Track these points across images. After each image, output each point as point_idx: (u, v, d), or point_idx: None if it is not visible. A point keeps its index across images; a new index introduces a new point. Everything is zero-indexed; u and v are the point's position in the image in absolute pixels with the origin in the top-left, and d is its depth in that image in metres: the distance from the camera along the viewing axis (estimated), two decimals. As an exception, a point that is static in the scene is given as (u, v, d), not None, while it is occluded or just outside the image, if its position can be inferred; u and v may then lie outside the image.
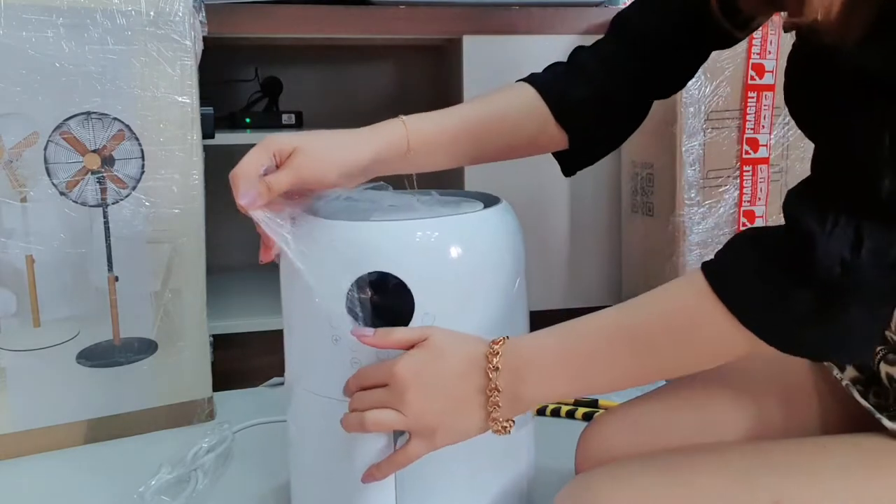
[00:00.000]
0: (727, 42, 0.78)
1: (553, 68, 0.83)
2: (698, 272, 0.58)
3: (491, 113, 0.80)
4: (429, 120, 0.80)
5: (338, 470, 0.74)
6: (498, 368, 0.62)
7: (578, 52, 0.83)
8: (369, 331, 0.68)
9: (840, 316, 0.53)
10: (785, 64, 0.67)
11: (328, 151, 0.73)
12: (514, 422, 0.64)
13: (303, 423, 0.81)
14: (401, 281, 0.71)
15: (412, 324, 0.71)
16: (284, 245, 0.71)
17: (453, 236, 0.74)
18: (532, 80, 0.82)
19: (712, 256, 0.59)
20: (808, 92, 0.64)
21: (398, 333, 0.67)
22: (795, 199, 0.56)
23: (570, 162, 0.85)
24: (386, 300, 0.71)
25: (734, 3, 0.70)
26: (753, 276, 0.55)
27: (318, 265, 0.72)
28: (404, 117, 0.78)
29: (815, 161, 0.58)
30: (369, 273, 0.71)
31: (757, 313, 0.55)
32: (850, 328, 0.54)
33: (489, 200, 0.83)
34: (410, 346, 0.66)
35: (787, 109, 0.93)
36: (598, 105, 0.80)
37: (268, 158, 0.75)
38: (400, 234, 0.73)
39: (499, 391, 0.62)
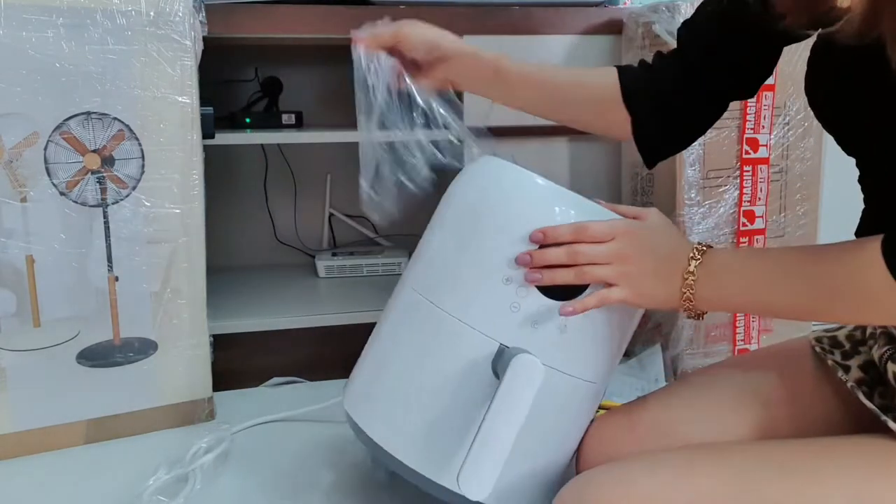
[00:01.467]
0: (795, 37, 0.80)
1: (642, 62, 0.92)
2: (877, 243, 0.60)
3: (572, 77, 0.94)
4: (520, 62, 0.92)
5: (451, 397, 0.78)
6: (698, 259, 0.71)
7: (658, 54, 0.91)
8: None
9: None
10: (805, 67, 0.68)
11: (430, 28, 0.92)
12: (705, 312, 0.72)
13: (429, 345, 0.82)
14: None
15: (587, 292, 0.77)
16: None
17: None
18: (621, 68, 0.91)
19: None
20: (838, 95, 0.66)
21: (623, 207, 0.78)
22: None
23: (647, 152, 0.91)
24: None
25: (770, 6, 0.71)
26: None
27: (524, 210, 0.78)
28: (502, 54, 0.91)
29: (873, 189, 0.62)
30: None
31: None
32: None
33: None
34: (635, 215, 0.76)
35: (786, 109, 0.94)
36: (662, 97, 0.87)
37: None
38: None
39: (694, 275, 0.70)
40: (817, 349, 0.79)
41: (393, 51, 0.91)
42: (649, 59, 0.91)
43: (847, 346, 0.77)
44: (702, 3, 0.87)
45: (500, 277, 0.77)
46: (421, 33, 0.91)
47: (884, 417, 0.65)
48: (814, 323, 1.39)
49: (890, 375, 0.68)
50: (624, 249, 0.73)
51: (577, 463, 0.82)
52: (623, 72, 0.90)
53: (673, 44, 0.89)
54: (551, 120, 0.97)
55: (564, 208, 0.77)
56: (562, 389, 0.79)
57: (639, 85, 0.89)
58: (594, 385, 0.82)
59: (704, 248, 0.72)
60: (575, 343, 0.78)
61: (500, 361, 0.75)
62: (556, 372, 0.78)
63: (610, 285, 0.73)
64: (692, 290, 0.70)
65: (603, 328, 0.79)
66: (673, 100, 0.86)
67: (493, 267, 0.78)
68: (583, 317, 0.75)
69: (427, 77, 0.91)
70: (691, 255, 0.71)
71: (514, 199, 0.79)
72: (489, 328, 0.77)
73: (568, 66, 1.44)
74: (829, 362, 0.76)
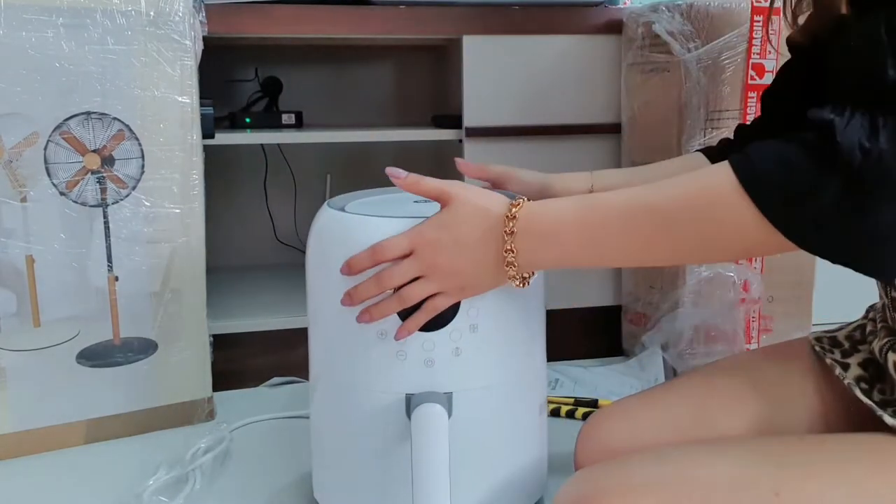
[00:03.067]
0: None
1: (722, 141, 0.94)
2: (722, 164, 0.57)
3: (667, 172, 0.89)
4: (611, 176, 0.94)
5: (382, 458, 0.80)
6: (514, 232, 0.66)
7: (740, 127, 0.92)
8: (402, 172, 0.73)
9: (868, 215, 0.51)
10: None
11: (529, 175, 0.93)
12: (532, 274, 0.70)
13: (345, 417, 0.82)
14: None
15: (460, 311, 0.76)
16: None
17: None
18: (703, 150, 0.93)
19: (739, 153, 0.58)
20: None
21: (427, 182, 0.72)
22: (812, 108, 0.55)
23: None
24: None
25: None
26: (779, 165, 0.54)
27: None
28: (593, 172, 0.93)
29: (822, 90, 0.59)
30: None
31: (780, 205, 0.54)
32: (878, 231, 0.52)
33: None
34: (436, 197, 0.72)
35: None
36: None
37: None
38: None
39: (513, 252, 0.66)
40: (817, 348, 0.79)
41: (494, 186, 0.93)
42: (649, 58, 0.91)
43: (846, 345, 0.77)
44: (780, 69, 0.87)
45: (372, 335, 0.77)
46: (532, 174, 0.92)
47: (879, 412, 0.66)
48: (814, 322, 1.40)
49: (890, 365, 0.68)
50: (428, 258, 0.69)
51: (576, 460, 0.82)
52: (709, 153, 0.92)
53: (673, 44, 0.89)
54: None
55: (364, 234, 0.75)
56: (488, 404, 0.80)
57: (724, 146, 0.91)
58: (519, 384, 0.83)
59: (517, 209, 0.67)
60: (475, 358, 0.78)
61: (413, 410, 0.75)
62: (470, 391, 0.79)
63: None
64: (515, 265, 0.67)
65: (498, 334, 0.79)
66: None
67: (359, 328, 0.77)
68: (468, 331, 0.76)
69: None
70: (505, 229, 0.66)
71: (331, 255, 0.78)
72: (390, 385, 0.78)
73: (568, 68, 1.45)
74: (828, 361, 0.76)
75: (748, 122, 0.92)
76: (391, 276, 0.71)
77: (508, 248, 0.67)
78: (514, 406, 0.83)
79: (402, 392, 0.77)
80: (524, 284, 0.70)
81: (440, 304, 0.72)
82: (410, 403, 0.76)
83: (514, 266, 0.67)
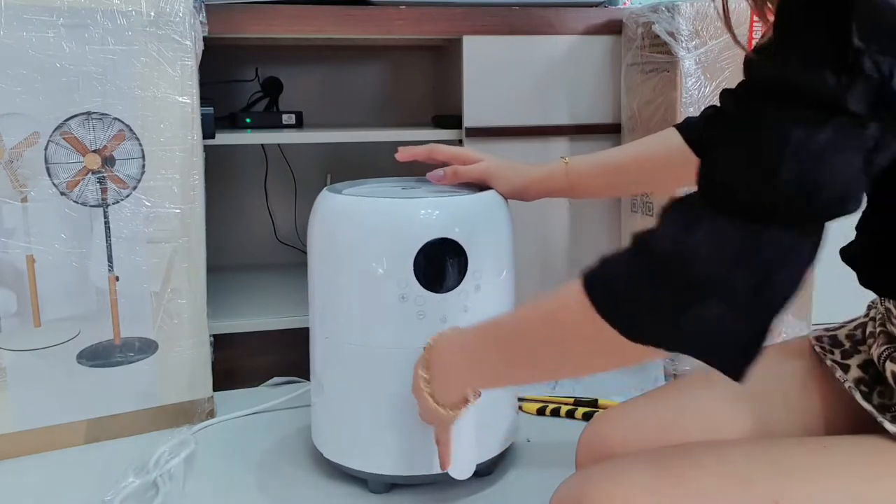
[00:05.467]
0: None
1: (703, 112, 0.93)
2: (577, 282, 0.58)
3: (637, 155, 0.95)
4: (585, 161, 0.97)
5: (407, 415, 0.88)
6: (427, 361, 0.74)
7: (722, 93, 0.88)
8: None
9: (693, 309, 0.50)
10: None
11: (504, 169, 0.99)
12: (458, 410, 0.75)
13: (364, 377, 0.95)
14: (457, 243, 0.91)
15: (466, 277, 0.92)
16: None
17: (493, 207, 0.97)
18: (679, 124, 0.92)
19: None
20: None
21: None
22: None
23: None
24: (442, 260, 0.91)
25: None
26: (609, 263, 0.56)
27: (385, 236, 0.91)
28: (567, 158, 0.96)
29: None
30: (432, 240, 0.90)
31: (608, 301, 0.54)
32: (705, 324, 0.50)
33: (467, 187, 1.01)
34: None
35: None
36: None
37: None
38: (458, 206, 0.95)
39: (428, 381, 0.74)
40: (817, 348, 0.79)
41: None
42: (649, 58, 0.91)
43: (847, 345, 0.77)
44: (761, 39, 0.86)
45: (395, 298, 0.90)
46: (508, 179, 0.98)
47: (880, 419, 0.65)
48: (814, 322, 1.39)
49: (888, 374, 0.68)
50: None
51: (577, 461, 0.82)
52: (685, 128, 0.91)
53: (673, 44, 0.89)
54: (631, 195, 1.06)
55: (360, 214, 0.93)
56: None
57: (701, 124, 0.90)
58: None
59: (431, 344, 0.75)
60: (481, 314, 0.87)
61: None
62: None
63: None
64: (432, 396, 0.74)
65: (496, 292, 0.96)
66: None
67: (386, 292, 0.91)
68: (473, 291, 0.92)
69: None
70: (422, 360, 0.74)
71: (369, 228, 0.92)
72: (410, 341, 0.88)
73: (568, 68, 1.45)
74: (828, 362, 0.76)
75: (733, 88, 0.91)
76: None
77: (424, 377, 0.75)
78: None
79: (420, 348, 0.87)
80: (451, 411, 0.75)
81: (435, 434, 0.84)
82: None
83: (432, 397, 0.74)
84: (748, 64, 0.55)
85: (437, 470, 0.89)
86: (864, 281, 0.68)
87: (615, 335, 0.54)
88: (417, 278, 0.90)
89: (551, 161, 0.99)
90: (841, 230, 0.73)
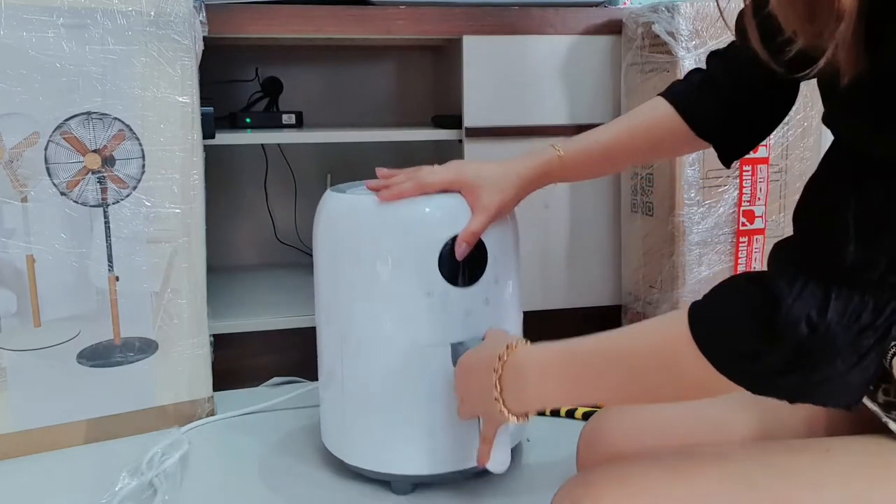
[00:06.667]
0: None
1: (689, 78, 0.89)
2: (685, 312, 0.59)
3: (633, 131, 0.93)
4: (576, 143, 0.94)
5: (436, 408, 0.93)
6: (502, 371, 0.73)
7: (710, 58, 0.88)
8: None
9: (818, 367, 0.53)
10: None
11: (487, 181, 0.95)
12: (526, 418, 0.75)
13: (391, 375, 0.95)
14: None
15: (487, 267, 0.95)
16: None
17: None
18: (669, 94, 0.89)
19: (702, 297, 0.59)
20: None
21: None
22: (774, 255, 0.57)
23: (725, 154, 0.89)
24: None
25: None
26: (728, 329, 0.56)
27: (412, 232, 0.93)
28: (556, 145, 0.93)
29: (797, 210, 0.59)
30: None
31: (732, 364, 0.56)
32: (829, 378, 0.54)
33: None
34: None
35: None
36: (729, 113, 0.85)
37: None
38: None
39: (502, 388, 0.73)
40: (818, 348, 0.79)
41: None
42: (649, 58, 0.90)
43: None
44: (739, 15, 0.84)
45: (422, 294, 0.92)
46: (497, 200, 0.94)
47: (885, 419, 0.65)
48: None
49: (895, 372, 0.67)
50: (457, 384, 0.84)
51: (578, 461, 0.82)
52: (674, 98, 0.88)
53: (672, 44, 0.88)
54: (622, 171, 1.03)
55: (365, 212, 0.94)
56: None
57: (695, 96, 0.88)
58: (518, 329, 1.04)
59: (507, 354, 0.74)
60: (500, 306, 0.97)
61: (457, 357, 0.87)
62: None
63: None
64: (502, 401, 0.74)
65: (514, 283, 1.00)
66: (736, 116, 0.85)
67: (413, 289, 0.92)
68: (493, 283, 0.95)
69: None
70: (496, 366, 0.74)
71: (389, 228, 0.93)
72: (437, 337, 0.93)
73: (568, 68, 1.45)
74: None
75: (720, 50, 0.87)
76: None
77: (496, 383, 0.74)
78: None
79: (448, 343, 0.92)
80: (520, 420, 0.75)
81: (482, 430, 0.85)
82: (458, 351, 0.90)
83: (503, 402, 0.73)
84: None
85: (464, 466, 0.92)
86: None
87: (727, 382, 0.56)
88: (442, 274, 0.91)
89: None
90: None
